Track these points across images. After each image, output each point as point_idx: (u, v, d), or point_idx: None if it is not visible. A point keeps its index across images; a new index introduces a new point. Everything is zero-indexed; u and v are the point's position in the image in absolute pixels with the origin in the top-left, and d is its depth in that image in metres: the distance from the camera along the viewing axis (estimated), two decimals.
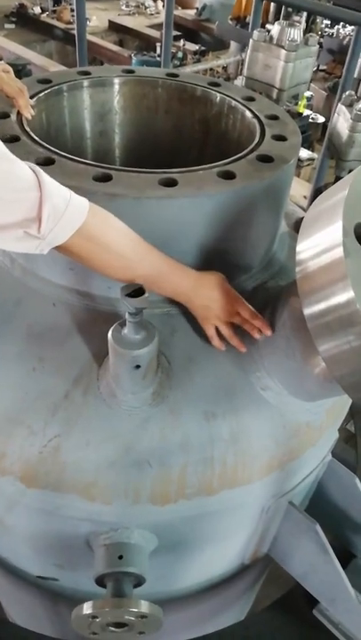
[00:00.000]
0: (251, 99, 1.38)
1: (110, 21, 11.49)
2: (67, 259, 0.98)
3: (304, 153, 8.31)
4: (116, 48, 10.35)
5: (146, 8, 11.75)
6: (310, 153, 8.42)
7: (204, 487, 1.11)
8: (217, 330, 1.10)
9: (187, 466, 1.09)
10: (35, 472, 1.08)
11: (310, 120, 8.87)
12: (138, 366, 0.97)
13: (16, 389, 1.08)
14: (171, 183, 1.01)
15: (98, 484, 1.07)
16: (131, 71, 1.47)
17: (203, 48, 10.25)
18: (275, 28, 1.71)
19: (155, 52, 10.07)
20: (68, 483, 1.07)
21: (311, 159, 8.05)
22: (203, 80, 1.46)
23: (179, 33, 9.72)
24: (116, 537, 1.11)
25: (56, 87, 1.33)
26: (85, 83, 1.39)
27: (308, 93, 9.11)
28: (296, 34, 1.71)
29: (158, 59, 9.01)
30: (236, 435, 1.12)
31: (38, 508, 1.14)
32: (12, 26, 11.02)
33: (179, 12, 10.27)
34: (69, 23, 10.27)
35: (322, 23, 10.22)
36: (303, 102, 8.95)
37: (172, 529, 1.16)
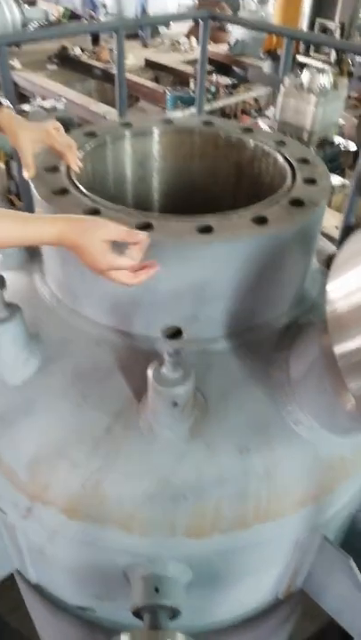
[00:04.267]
0: (282, 143, 1.45)
1: (146, 60, 11.93)
2: (109, 300, 1.05)
3: (336, 180, 8.34)
4: (151, 84, 10.72)
5: (180, 44, 12.16)
6: (342, 180, 8.45)
7: (238, 521, 1.14)
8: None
9: (221, 500, 1.12)
10: (77, 504, 1.13)
11: (342, 148, 8.93)
12: (175, 403, 1.02)
13: (61, 424, 1.15)
14: (207, 229, 1.08)
15: (136, 517, 1.11)
16: (169, 121, 1.56)
17: (235, 81, 10.51)
18: (305, 75, 1.79)
19: (188, 86, 10.38)
20: (107, 515, 1.12)
21: (343, 186, 8.09)
22: (236, 127, 1.54)
23: (212, 67, 10.02)
24: (152, 569, 1.15)
25: (100, 139, 1.43)
26: (127, 134, 1.49)
27: (340, 122, 9.18)
28: (325, 80, 1.78)
29: (192, 94, 9.30)
30: (270, 469, 1.15)
31: (78, 539, 1.19)
32: (55, 67, 11.57)
33: (211, 46, 10.60)
34: (107, 62, 10.72)
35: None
36: (335, 130, 9.05)
37: (206, 562, 1.19)
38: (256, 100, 9.34)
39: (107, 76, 10.65)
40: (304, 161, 1.36)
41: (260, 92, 9.31)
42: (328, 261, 1.49)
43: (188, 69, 11.04)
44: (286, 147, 1.43)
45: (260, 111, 9.13)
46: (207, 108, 6.61)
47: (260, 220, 1.12)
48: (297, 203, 1.19)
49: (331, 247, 1.61)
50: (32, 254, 1.44)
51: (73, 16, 13.40)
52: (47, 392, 1.18)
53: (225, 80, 10.39)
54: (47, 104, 8.16)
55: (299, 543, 1.30)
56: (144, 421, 1.11)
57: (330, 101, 1.70)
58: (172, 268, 1.08)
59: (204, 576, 1.21)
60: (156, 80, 11.84)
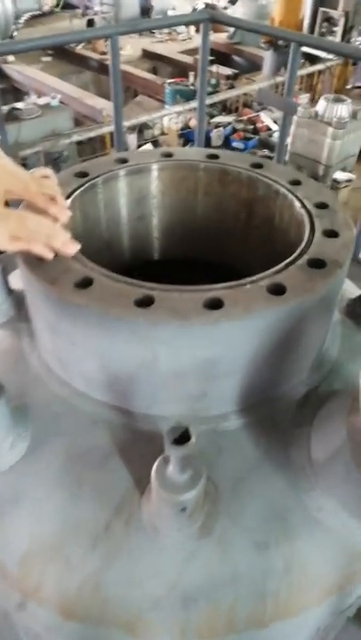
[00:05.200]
0: (297, 182, 1.30)
1: (144, 50, 11.67)
2: (105, 375, 0.92)
3: (342, 175, 8.16)
4: (149, 76, 10.50)
5: (178, 34, 11.89)
6: (349, 175, 8.26)
7: (254, 620, 1.02)
8: None
9: (236, 601, 1.00)
10: (74, 605, 1.01)
11: None
12: (184, 509, 0.90)
13: (54, 516, 1.02)
14: (216, 305, 0.94)
15: (141, 621, 0.99)
16: (169, 154, 1.41)
17: (235, 72, 10.27)
18: (321, 105, 1.63)
19: (187, 77, 10.15)
20: (109, 618, 1.00)
21: (349, 180, 7.90)
22: (245, 160, 1.39)
23: (211, 57, 9.77)
24: None
25: (92, 181, 1.29)
26: (122, 172, 1.35)
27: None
28: (344, 110, 1.62)
29: (192, 87, 9.08)
30: (291, 564, 1.02)
31: (77, 637, 1.07)
32: (49, 59, 11.32)
33: (210, 36, 10.34)
34: (103, 53, 10.47)
35: (358, 36, 10.07)
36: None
37: None
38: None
39: (103, 68, 10.40)
40: (322, 206, 1.21)
41: (262, 83, 9.07)
42: (349, 309, 1.36)
43: (187, 59, 10.79)
44: (302, 187, 1.28)
45: (263, 103, 8.91)
46: (208, 101, 6.39)
47: (277, 290, 0.98)
48: (317, 264, 1.05)
49: (352, 288, 1.47)
50: (20, 308, 1.30)
51: (67, 5, 13.09)
52: (38, 479, 1.05)
53: (225, 70, 10.15)
54: (41, 101, 7.97)
55: (321, 629, 1.18)
56: (148, 518, 0.98)
57: (349, 132, 1.53)
58: (176, 346, 0.95)
59: None
60: (154, 71, 11.59)
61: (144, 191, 1.43)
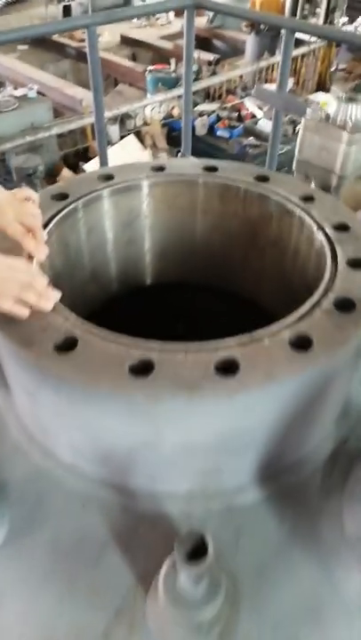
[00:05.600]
0: (309, 198, 1.12)
1: (122, 36, 11.31)
2: (97, 449, 0.75)
3: None
4: (129, 64, 10.17)
5: (157, 19, 11.53)
6: None
7: None
8: None
9: None
10: None
11: None
12: (199, 625, 0.73)
13: (42, 625, 0.85)
14: (231, 368, 0.76)
15: None
16: (161, 168, 1.22)
17: (217, 57, 9.97)
18: (331, 106, 1.44)
19: (168, 63, 9.84)
20: None
21: None
22: (248, 172, 1.21)
23: None
24: None
25: (73, 204, 1.09)
26: (106, 192, 1.15)
27: (329, 97, 8.74)
28: (360, 111, 1.43)
29: (174, 74, 8.77)
30: None
31: None
32: (25, 47, 10.91)
33: None
34: (82, 41, 10.09)
35: (340, 17, 9.83)
36: (325, 107, 8.61)
37: None
38: (241, 78, 8.85)
39: (81, 55, 10.02)
40: (343, 227, 1.04)
41: (245, 69, 8.81)
42: None
43: (168, 45, 10.46)
44: (316, 205, 1.10)
45: (247, 89, 8.65)
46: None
47: (302, 343, 0.80)
48: (346, 305, 0.87)
49: None
50: None
51: None
52: (20, 577, 0.88)
53: (207, 56, 9.84)
54: (18, 92, 7.63)
55: None
56: (156, 626, 0.81)
57: None
58: (184, 422, 0.77)
59: None
60: (134, 58, 11.25)
61: (134, 212, 1.24)
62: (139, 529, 0.88)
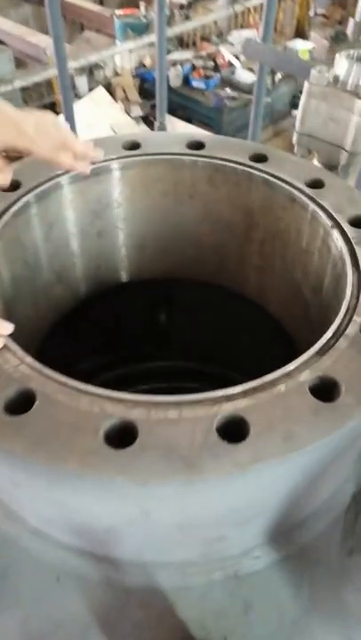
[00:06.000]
0: (318, 183, 0.92)
1: None
2: (67, 520, 0.58)
3: None
4: (96, 8, 9.48)
5: None
6: None
7: None
8: None
9: None
10: None
11: None
12: None
13: None
14: (238, 429, 0.59)
15: None
16: (135, 145, 1.00)
17: (190, 0, 9.34)
18: (341, 65, 1.19)
19: (138, 7, 9.19)
20: None
21: None
22: (242, 150, 1.00)
23: None
24: None
25: (25, 197, 0.88)
26: (66, 179, 0.94)
27: (309, 45, 8.31)
28: None
29: (144, 19, 8.18)
30: None
31: None
32: None
33: None
34: None
35: None
36: (305, 55, 8.16)
37: None
38: (215, 23, 8.32)
39: None
40: None
41: (219, 13, 8.27)
42: None
43: None
44: (326, 191, 0.91)
45: (222, 36, 8.14)
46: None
47: (327, 390, 0.63)
48: None
49: None
50: None
51: None
52: None
53: None
54: None
55: None
56: None
57: None
58: (179, 503, 0.60)
59: None
60: (101, 1, 10.50)
61: (103, 200, 1.03)
62: (126, 607, 0.72)
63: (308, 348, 0.70)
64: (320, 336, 0.70)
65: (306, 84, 1.22)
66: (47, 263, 1.02)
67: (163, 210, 1.07)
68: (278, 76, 7.21)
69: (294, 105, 8.00)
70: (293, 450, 0.57)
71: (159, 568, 0.73)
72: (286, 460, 0.57)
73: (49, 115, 0.79)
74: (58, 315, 1.12)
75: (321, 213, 0.88)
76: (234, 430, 0.59)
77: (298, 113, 1.30)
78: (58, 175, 0.93)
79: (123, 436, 0.58)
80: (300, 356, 0.68)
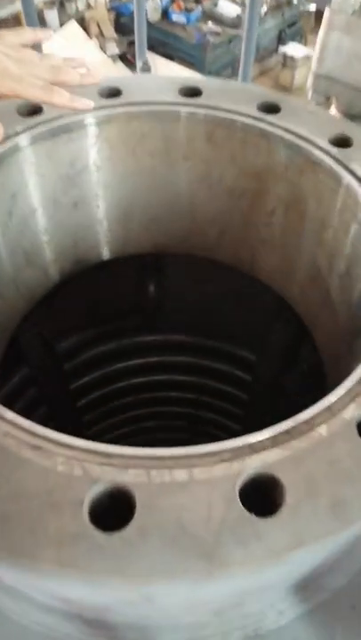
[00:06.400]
0: (345, 141, 0.74)
1: None
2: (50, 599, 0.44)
3: (299, 51, 7.18)
4: None
5: None
6: (306, 49, 7.27)
7: None
8: None
9: None
10: None
11: (301, 8, 7.57)
12: None
13: None
14: (270, 501, 0.44)
15: None
16: (115, 92, 0.80)
17: None
18: None
19: None
20: None
21: (307, 58, 6.96)
22: (248, 98, 0.80)
23: None
24: None
25: None
26: (26, 139, 0.74)
27: None
28: None
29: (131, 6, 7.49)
30: None
31: None
32: None
33: None
34: None
35: None
36: None
37: None
38: None
39: None
40: None
41: None
42: None
43: None
44: (356, 151, 0.73)
45: None
46: None
47: None
48: None
49: None
50: None
51: None
52: None
53: None
54: None
55: None
56: None
57: None
58: (192, 594, 0.46)
59: None
60: None
61: (78, 162, 0.83)
62: None
63: (328, 340, 0.55)
64: (345, 328, 0.55)
65: (326, 12, 0.98)
66: (12, 242, 0.84)
67: (151, 174, 0.88)
68: (264, 7, 6.71)
69: (281, 40, 7.51)
70: (346, 525, 0.42)
71: (163, 632, 0.60)
72: (337, 538, 0.42)
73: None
74: (29, 303, 0.94)
75: (350, 179, 0.70)
76: (263, 495, 0.44)
77: (315, 50, 1.08)
78: (17, 133, 0.73)
79: (115, 510, 0.43)
80: (325, 365, 0.53)
